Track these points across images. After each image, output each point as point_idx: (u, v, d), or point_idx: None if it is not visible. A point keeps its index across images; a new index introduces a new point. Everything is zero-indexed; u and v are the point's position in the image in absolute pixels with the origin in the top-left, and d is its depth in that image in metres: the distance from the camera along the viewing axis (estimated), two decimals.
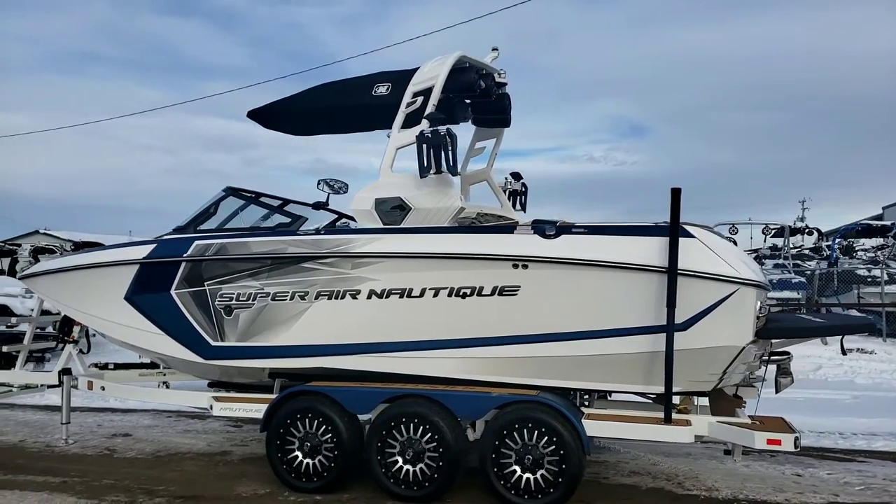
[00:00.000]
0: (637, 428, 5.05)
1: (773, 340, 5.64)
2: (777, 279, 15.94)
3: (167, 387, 7.40)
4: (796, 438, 4.77)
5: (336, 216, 6.34)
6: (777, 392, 6.01)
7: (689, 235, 4.92)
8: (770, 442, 4.79)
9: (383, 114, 5.81)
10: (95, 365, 7.87)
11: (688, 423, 5.02)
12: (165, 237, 6.30)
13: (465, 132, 7.47)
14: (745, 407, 5.88)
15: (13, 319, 9.85)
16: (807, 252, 23.16)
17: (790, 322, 5.65)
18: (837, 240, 20.62)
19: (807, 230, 24.70)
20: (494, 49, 6.65)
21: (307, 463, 5.56)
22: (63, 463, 6.59)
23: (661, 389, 5.02)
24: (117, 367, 7.72)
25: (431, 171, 5.36)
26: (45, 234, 41.43)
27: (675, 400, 5.63)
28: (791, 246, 25.55)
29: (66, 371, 7.32)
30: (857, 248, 20.98)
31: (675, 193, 4.83)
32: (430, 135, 5.31)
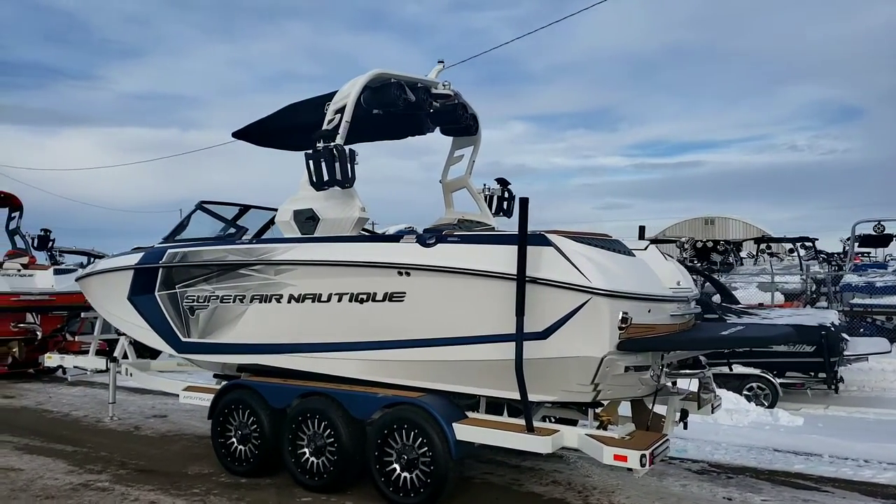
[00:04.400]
0: (500, 435, 5.04)
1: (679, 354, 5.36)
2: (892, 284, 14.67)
3: None
4: (642, 456, 4.53)
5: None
6: (699, 409, 5.66)
7: (547, 243, 4.86)
8: (616, 458, 4.60)
9: None
10: None
11: (551, 432, 4.93)
12: (154, 246, 7.26)
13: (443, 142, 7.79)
14: (664, 422, 5.61)
15: (82, 314, 11.56)
16: None
17: (695, 334, 5.29)
18: None
19: None
20: (440, 62, 6.88)
21: (239, 449, 6.20)
22: (91, 436, 7.82)
23: (535, 397, 5.02)
24: None
25: (326, 186, 5.73)
26: None
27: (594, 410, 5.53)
28: None
29: (113, 359, 8.61)
30: None
31: (523, 202, 4.82)
32: (321, 149, 5.70)
